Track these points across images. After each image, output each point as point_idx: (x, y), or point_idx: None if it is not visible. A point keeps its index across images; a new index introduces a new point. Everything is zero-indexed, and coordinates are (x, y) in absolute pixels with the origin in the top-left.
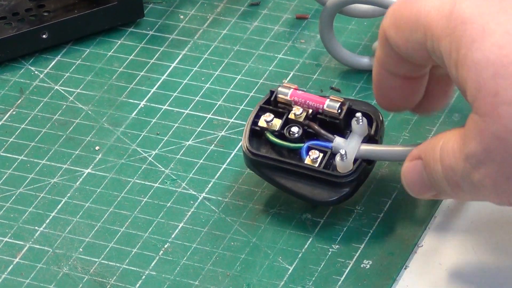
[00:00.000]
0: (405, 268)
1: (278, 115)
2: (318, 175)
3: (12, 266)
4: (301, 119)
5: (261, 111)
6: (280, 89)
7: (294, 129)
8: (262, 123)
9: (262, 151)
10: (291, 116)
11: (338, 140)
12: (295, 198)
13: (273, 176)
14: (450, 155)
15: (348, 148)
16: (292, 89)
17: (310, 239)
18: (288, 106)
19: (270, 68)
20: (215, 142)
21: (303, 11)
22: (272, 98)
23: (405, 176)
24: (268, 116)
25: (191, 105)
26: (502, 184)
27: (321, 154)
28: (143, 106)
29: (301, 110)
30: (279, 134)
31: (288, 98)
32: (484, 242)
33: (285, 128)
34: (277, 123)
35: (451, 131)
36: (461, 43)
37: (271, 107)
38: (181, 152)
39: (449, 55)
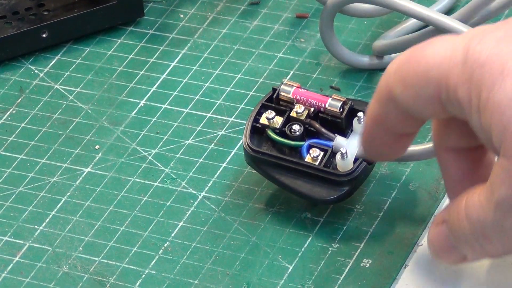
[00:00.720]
0: (405, 267)
1: (279, 112)
2: (318, 173)
3: (12, 265)
4: (303, 117)
5: (263, 108)
6: (282, 87)
7: (295, 127)
8: (263, 120)
9: (263, 149)
10: (293, 114)
11: (339, 139)
12: (295, 197)
13: (273, 173)
14: (476, 208)
15: (349, 147)
16: (294, 87)
17: (310, 238)
18: (290, 104)
19: (270, 67)
20: (215, 141)
21: (303, 10)
22: (274, 96)
23: (432, 242)
24: (270, 113)
25: (191, 104)
26: None
27: (322, 153)
28: (143, 105)
29: (303, 108)
30: (280, 131)
31: (290, 96)
32: None
33: (286, 126)
34: (278, 120)
35: (474, 188)
36: (482, 87)
37: (273, 105)
38: (181, 151)
39: (469, 103)
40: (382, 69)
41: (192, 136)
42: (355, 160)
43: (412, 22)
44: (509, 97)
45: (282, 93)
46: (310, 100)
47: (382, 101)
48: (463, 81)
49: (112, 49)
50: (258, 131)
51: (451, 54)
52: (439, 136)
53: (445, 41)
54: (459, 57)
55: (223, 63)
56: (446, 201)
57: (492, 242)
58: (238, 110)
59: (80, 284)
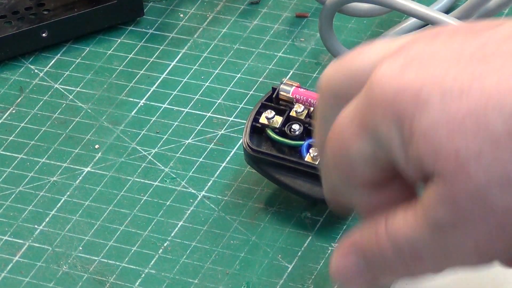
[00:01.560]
0: None
1: (279, 112)
2: (318, 172)
3: (11, 264)
4: (302, 117)
5: (263, 108)
6: (282, 86)
7: (295, 126)
8: (263, 120)
9: (263, 148)
10: (293, 113)
11: None
12: (294, 196)
13: (272, 173)
14: (403, 229)
15: None
16: (294, 87)
17: (310, 238)
18: (289, 103)
19: (270, 67)
20: (214, 141)
21: (303, 9)
22: (274, 95)
23: (339, 273)
24: (270, 113)
25: (191, 104)
26: (485, 241)
27: None
28: (142, 104)
29: (302, 107)
30: (280, 131)
31: (290, 95)
32: None
33: (286, 126)
34: (278, 120)
35: (391, 213)
36: (402, 121)
37: (272, 104)
38: (180, 151)
39: (391, 140)
40: None
41: (192, 136)
42: None
43: (412, 22)
44: (434, 120)
45: (281, 93)
46: (309, 99)
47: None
48: (378, 122)
49: (112, 49)
50: (257, 131)
51: (356, 103)
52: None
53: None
54: (365, 100)
55: (223, 63)
56: None
57: (425, 262)
58: (238, 109)
59: (80, 284)
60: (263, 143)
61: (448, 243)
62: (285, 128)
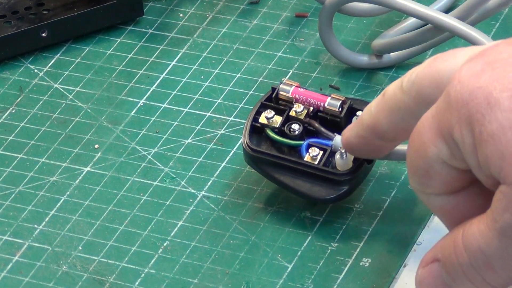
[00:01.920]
0: (404, 266)
1: (279, 112)
2: (317, 172)
3: (11, 264)
4: (302, 117)
5: (262, 107)
6: (281, 86)
7: (295, 126)
8: (262, 119)
9: (262, 148)
10: (292, 113)
11: (338, 138)
12: (294, 196)
13: (272, 172)
14: (477, 238)
15: None
16: (293, 87)
17: (309, 237)
18: (289, 103)
19: (270, 66)
20: (214, 140)
21: (303, 9)
22: (273, 95)
23: (422, 284)
24: (269, 112)
25: (191, 103)
26: None
27: (321, 152)
28: (142, 104)
29: (302, 107)
30: (280, 131)
31: (289, 95)
32: None
33: (286, 125)
34: (277, 120)
35: (469, 221)
36: (473, 124)
37: (272, 104)
38: (180, 150)
39: (463, 142)
40: (381, 68)
41: (192, 136)
42: (355, 159)
43: (411, 21)
44: (502, 124)
45: (281, 93)
46: (309, 99)
47: (393, 110)
48: (454, 123)
49: (112, 48)
50: (257, 131)
51: (436, 106)
52: (384, 130)
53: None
54: (443, 103)
55: (223, 63)
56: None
57: (496, 272)
58: (238, 109)
59: (80, 283)
60: (263, 142)
61: None
62: (285, 128)
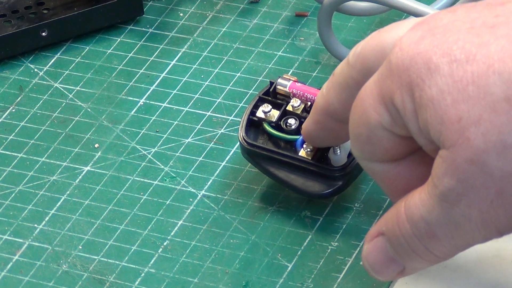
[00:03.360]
0: None
1: (276, 106)
2: (311, 167)
3: (11, 263)
4: (299, 111)
5: (260, 101)
6: (279, 80)
7: (291, 121)
8: (260, 113)
9: (259, 142)
10: (289, 108)
11: None
12: (294, 195)
13: (267, 166)
14: (418, 207)
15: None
16: (291, 81)
17: (309, 237)
18: (286, 97)
19: (270, 66)
20: (214, 140)
21: (303, 8)
22: (271, 89)
23: (367, 259)
24: (266, 107)
25: (191, 103)
26: (488, 209)
27: (316, 147)
28: (142, 103)
29: (299, 102)
30: (276, 125)
31: (287, 89)
32: None
33: (282, 120)
34: (275, 114)
35: (411, 192)
36: (413, 89)
37: (270, 98)
38: (180, 150)
39: (404, 108)
40: None
41: (192, 135)
42: (349, 155)
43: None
44: (441, 88)
45: (279, 87)
46: (306, 94)
47: (340, 88)
48: (395, 89)
49: (112, 48)
50: (255, 124)
51: (378, 73)
52: (336, 109)
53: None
54: (385, 70)
55: (223, 62)
56: None
57: (440, 240)
58: (238, 108)
59: (80, 283)
60: (260, 136)
61: (456, 216)
62: (281, 122)
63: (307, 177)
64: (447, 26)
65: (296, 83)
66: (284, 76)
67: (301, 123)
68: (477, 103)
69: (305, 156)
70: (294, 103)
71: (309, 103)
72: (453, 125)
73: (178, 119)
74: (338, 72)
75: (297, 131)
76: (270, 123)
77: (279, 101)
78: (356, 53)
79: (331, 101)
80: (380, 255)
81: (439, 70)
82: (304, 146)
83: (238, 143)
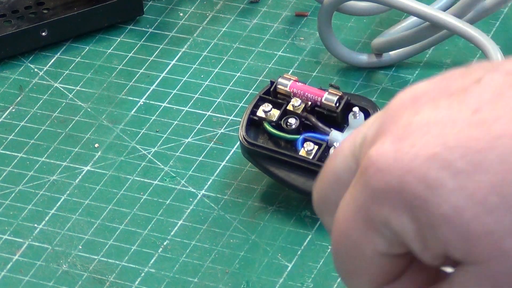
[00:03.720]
0: None
1: (277, 105)
2: (311, 167)
3: (11, 263)
4: (299, 111)
5: (261, 101)
6: (280, 80)
7: (291, 120)
8: (260, 113)
9: (259, 141)
10: (289, 107)
11: (334, 133)
12: (294, 195)
13: (267, 166)
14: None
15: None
16: (292, 81)
17: (310, 236)
18: (287, 97)
19: (270, 66)
20: (214, 140)
21: (303, 8)
22: (271, 89)
23: None
24: (267, 106)
25: (191, 103)
26: None
27: (316, 147)
28: (142, 103)
29: (299, 101)
30: (277, 124)
31: (287, 89)
32: None
33: (283, 119)
34: (275, 113)
35: None
36: (412, 211)
37: (270, 98)
38: (180, 150)
39: (404, 230)
40: (381, 67)
41: (192, 135)
42: None
43: (412, 20)
44: (455, 204)
45: (279, 86)
46: (307, 94)
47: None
48: (387, 214)
49: (112, 48)
50: (255, 124)
51: (354, 196)
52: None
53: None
54: (365, 195)
55: (223, 62)
56: None
57: None
58: (238, 108)
59: (80, 283)
60: (260, 135)
61: None
62: (282, 122)
63: (307, 176)
64: (424, 127)
65: (297, 82)
66: (285, 75)
67: (301, 122)
68: (506, 211)
69: (305, 155)
70: (295, 103)
71: (309, 103)
72: (483, 241)
73: (178, 119)
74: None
75: (298, 130)
76: (270, 122)
77: (280, 101)
78: (314, 200)
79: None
80: None
81: (443, 186)
82: (305, 145)
83: (238, 142)
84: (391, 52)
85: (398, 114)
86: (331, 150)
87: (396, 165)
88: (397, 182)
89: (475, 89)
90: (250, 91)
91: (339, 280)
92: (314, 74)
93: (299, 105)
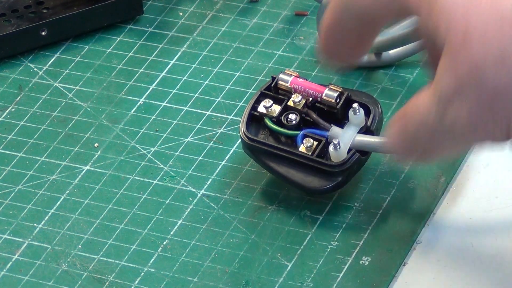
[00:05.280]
0: (404, 265)
1: (278, 101)
2: (311, 163)
3: (11, 263)
4: (300, 107)
5: (262, 96)
6: (281, 75)
7: (292, 116)
8: (261, 108)
9: (260, 137)
10: (290, 103)
11: (334, 129)
12: (294, 194)
13: (268, 161)
14: (420, 107)
15: (343, 137)
16: (293, 77)
17: (309, 236)
18: (288, 93)
19: (269, 65)
20: (214, 139)
21: (302, 7)
22: (272, 85)
23: (392, 141)
24: (268, 102)
25: (190, 102)
26: (476, 112)
27: (316, 143)
28: (142, 103)
29: (300, 97)
30: (277, 120)
31: (288, 85)
32: (482, 238)
33: (283, 115)
34: (276, 109)
35: (418, 93)
36: None
37: (271, 93)
38: (180, 149)
39: (418, 10)
40: (381, 67)
41: (191, 134)
42: (349, 150)
43: (411, 19)
44: (455, 1)
45: (280, 82)
46: (307, 89)
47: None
48: None
49: (111, 47)
50: (256, 119)
51: None
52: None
53: None
54: None
55: (222, 61)
56: (445, 198)
57: (438, 141)
58: (237, 108)
59: (79, 282)
60: (261, 131)
61: (448, 114)
62: (282, 118)
63: (307, 172)
64: None
65: (298, 78)
66: (286, 71)
67: (301, 118)
68: (487, 15)
69: (305, 151)
70: (295, 99)
71: (310, 99)
72: (459, 32)
73: (178, 118)
74: None
75: (298, 126)
76: (271, 118)
77: (281, 96)
78: None
79: None
80: (401, 137)
81: None
82: (304, 141)
83: (239, 141)
84: (390, 51)
85: None
86: (331, 147)
87: None
88: None
89: None
90: (250, 91)
91: (338, 279)
92: (313, 73)
93: (299, 101)
